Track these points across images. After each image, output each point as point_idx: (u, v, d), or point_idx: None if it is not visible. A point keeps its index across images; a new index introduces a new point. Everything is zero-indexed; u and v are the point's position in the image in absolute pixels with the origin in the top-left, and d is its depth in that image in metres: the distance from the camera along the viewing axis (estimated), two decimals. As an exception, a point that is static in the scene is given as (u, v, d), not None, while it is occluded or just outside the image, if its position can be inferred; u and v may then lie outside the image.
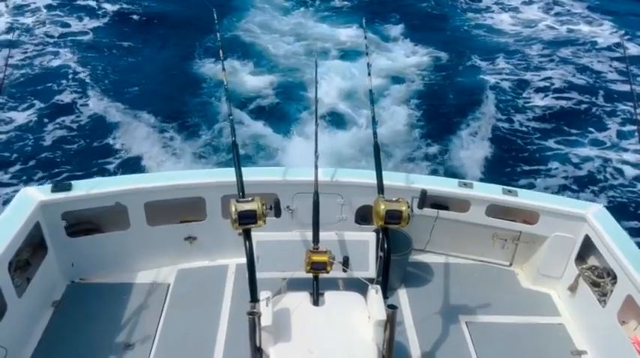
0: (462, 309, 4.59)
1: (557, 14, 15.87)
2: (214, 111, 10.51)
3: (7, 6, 13.76)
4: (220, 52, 4.23)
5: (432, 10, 16.02)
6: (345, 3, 15.92)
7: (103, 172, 8.64)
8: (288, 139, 9.86)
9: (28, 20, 13.21)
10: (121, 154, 9.27)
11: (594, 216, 4.43)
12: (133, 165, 8.92)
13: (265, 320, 2.92)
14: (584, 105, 11.27)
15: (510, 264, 5.11)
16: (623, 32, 13.22)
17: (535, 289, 4.90)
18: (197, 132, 9.99)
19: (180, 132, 9.96)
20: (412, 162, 9.40)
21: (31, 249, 4.29)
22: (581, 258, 4.64)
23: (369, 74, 4.20)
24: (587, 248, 4.56)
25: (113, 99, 10.64)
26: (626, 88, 10.93)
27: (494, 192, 4.75)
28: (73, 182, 4.48)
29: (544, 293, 4.86)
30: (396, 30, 14.39)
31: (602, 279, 4.35)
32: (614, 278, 4.18)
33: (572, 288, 4.59)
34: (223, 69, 4.07)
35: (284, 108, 10.94)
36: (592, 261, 4.58)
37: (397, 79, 12.05)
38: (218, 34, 4.53)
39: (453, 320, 4.48)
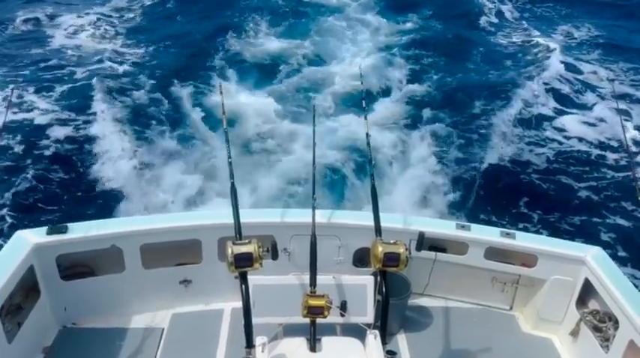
0: (462, 355, 4.49)
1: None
2: (212, 153, 10.58)
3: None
4: (221, 92, 4.30)
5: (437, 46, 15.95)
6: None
7: (99, 215, 8.61)
8: (285, 179, 9.91)
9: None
10: (116, 197, 9.26)
11: (593, 259, 4.41)
12: (129, 208, 8.89)
13: None
14: (581, 147, 11.38)
15: (510, 308, 5.04)
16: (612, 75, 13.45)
17: (536, 334, 4.82)
18: (194, 173, 10.02)
19: (176, 172, 9.99)
20: (409, 204, 9.41)
21: (24, 293, 4.22)
22: (582, 301, 4.59)
23: (366, 118, 4.26)
24: (588, 291, 4.52)
25: (110, 140, 10.70)
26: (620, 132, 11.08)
27: (492, 235, 4.73)
28: (68, 224, 4.45)
29: (545, 338, 4.78)
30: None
31: (603, 324, 4.29)
32: (616, 322, 4.12)
33: (574, 333, 4.52)
34: (223, 112, 4.14)
35: (280, 148, 11.00)
36: (593, 304, 4.53)
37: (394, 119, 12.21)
38: (219, 82, 4.63)
39: None
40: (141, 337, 4.51)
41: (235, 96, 12.51)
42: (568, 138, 11.70)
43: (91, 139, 10.72)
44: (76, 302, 4.55)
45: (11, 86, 10.52)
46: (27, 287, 4.24)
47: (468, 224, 4.86)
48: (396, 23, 16.67)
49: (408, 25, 16.60)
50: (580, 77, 14.18)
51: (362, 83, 4.95)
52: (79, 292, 4.51)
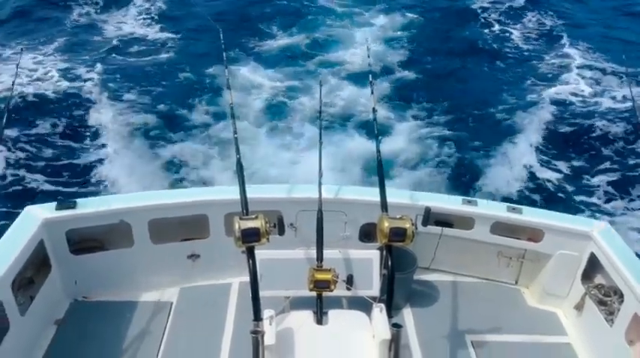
0: (467, 328, 4.54)
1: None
2: (218, 127, 10.59)
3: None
4: (226, 71, 4.27)
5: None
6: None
7: (108, 190, 8.68)
8: (292, 157, 9.91)
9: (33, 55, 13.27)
10: (124, 173, 9.30)
11: (600, 234, 4.40)
12: (136, 183, 8.94)
13: (269, 339, 2.90)
14: (588, 125, 11.27)
15: (516, 283, 5.07)
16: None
17: (541, 308, 4.85)
18: (200, 150, 10.04)
19: (184, 149, 10.03)
20: (415, 179, 9.40)
21: (35, 267, 4.29)
22: (587, 276, 4.60)
23: (372, 92, 4.23)
24: (593, 266, 4.52)
25: (118, 118, 10.74)
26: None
27: (498, 210, 4.73)
28: (77, 200, 4.49)
29: (550, 312, 4.81)
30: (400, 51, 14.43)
31: (608, 298, 4.31)
32: (621, 296, 4.13)
33: (579, 307, 4.54)
34: (229, 87, 4.11)
35: (287, 124, 11.03)
36: (598, 279, 4.54)
37: (401, 94, 12.14)
38: (224, 54, 4.58)
39: (458, 339, 4.43)
40: (150, 310, 4.58)
41: (244, 77, 12.55)
42: (572, 109, 11.68)
43: (99, 116, 10.78)
44: (86, 276, 4.61)
45: (16, 63, 10.61)
46: (38, 262, 4.30)
47: (475, 199, 4.87)
48: (397, 11, 16.68)
49: (409, 14, 16.59)
50: (579, 58, 13.97)
51: (369, 56, 4.91)
52: (88, 266, 4.57)
